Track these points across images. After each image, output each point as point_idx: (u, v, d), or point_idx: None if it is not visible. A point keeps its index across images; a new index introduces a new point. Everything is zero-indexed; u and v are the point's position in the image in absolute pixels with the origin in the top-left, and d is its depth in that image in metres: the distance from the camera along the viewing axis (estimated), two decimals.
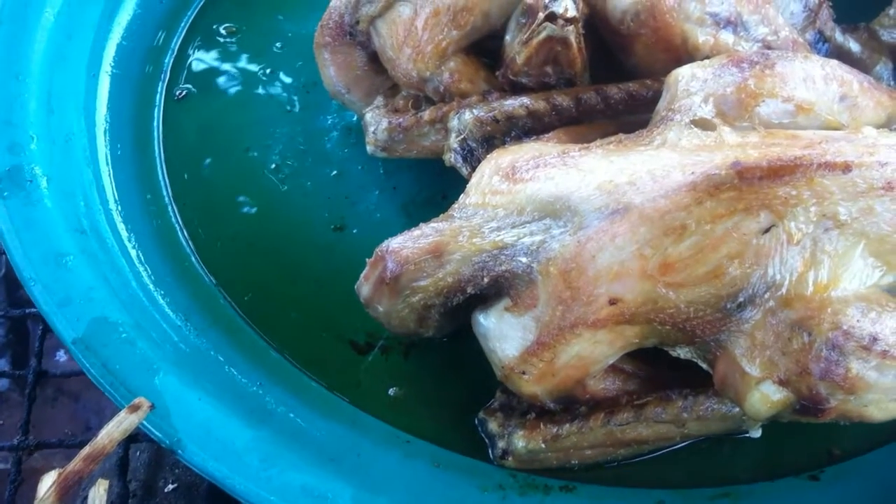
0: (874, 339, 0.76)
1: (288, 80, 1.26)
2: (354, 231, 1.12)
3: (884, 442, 0.93)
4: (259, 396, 0.94)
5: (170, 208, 1.13)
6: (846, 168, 0.76)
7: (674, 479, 0.91)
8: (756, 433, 0.89)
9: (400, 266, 0.87)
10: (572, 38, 0.96)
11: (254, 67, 1.28)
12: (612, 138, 0.90)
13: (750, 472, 0.91)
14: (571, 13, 0.94)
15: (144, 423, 0.83)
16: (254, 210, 1.14)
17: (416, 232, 0.89)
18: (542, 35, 0.96)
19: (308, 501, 0.81)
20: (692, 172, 0.79)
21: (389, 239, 0.89)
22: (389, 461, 0.91)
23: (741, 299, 0.79)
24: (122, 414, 0.79)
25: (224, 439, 0.85)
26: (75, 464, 0.78)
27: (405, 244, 0.88)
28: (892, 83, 1.08)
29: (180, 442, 0.84)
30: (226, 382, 0.94)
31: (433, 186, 1.14)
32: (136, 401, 0.79)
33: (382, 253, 0.89)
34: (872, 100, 0.91)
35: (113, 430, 0.78)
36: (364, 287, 0.92)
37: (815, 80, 0.87)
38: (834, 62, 0.91)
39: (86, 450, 0.78)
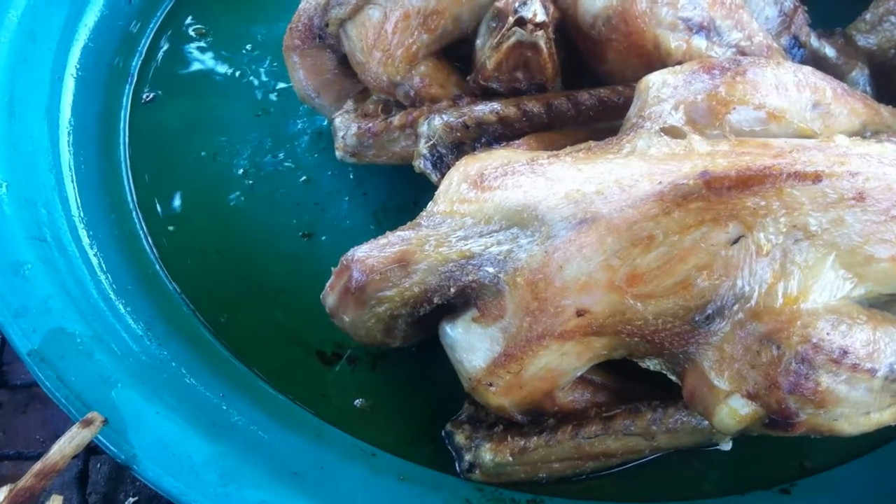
0: (844, 353, 0.74)
1: (258, 83, 1.24)
2: (323, 238, 1.10)
3: (856, 455, 0.92)
4: (221, 409, 0.92)
5: (134, 215, 1.11)
6: (816, 178, 0.75)
7: (643, 494, 0.89)
8: (726, 446, 0.88)
9: (365, 275, 0.85)
10: (542, 44, 0.94)
11: (223, 71, 1.26)
12: (582, 146, 0.89)
13: (720, 486, 0.90)
14: (541, 18, 0.93)
15: (99, 437, 0.81)
16: (221, 217, 1.11)
17: (382, 240, 0.88)
18: (512, 40, 0.94)
19: None
20: (660, 182, 0.77)
21: (355, 247, 0.87)
22: (354, 475, 0.89)
23: (709, 311, 0.78)
24: (75, 429, 0.77)
25: (181, 454, 0.83)
26: (26, 480, 0.76)
27: (371, 253, 0.87)
28: (867, 90, 1.06)
29: (136, 457, 0.82)
30: (187, 394, 0.91)
31: (404, 193, 1.12)
32: (89, 415, 0.77)
33: (348, 262, 0.87)
34: (846, 107, 0.90)
35: (65, 446, 0.76)
36: (329, 297, 0.90)
37: (787, 87, 0.86)
38: (807, 69, 0.89)
39: (37, 466, 0.76)
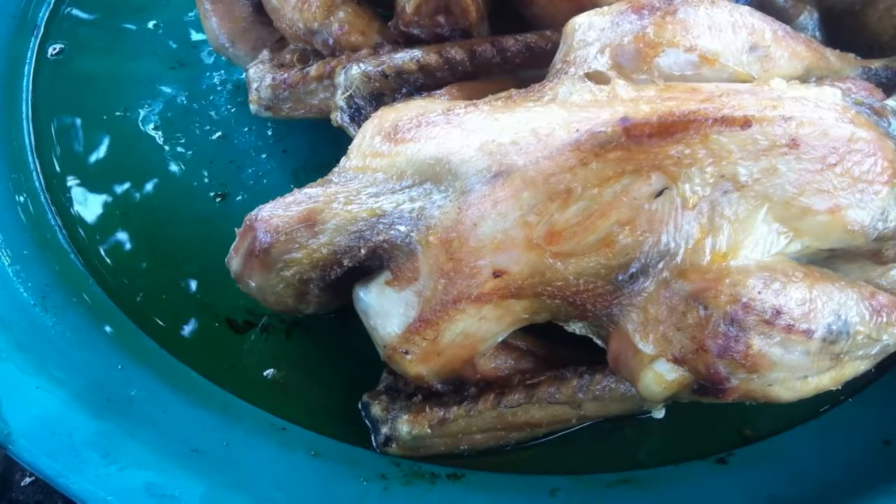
0: (777, 313, 0.69)
1: (173, 34, 1.18)
2: (238, 199, 1.04)
3: (799, 422, 0.87)
4: (117, 382, 0.86)
5: (35, 175, 1.05)
6: (745, 123, 0.69)
7: (571, 465, 0.85)
8: (659, 414, 0.82)
9: (270, 236, 0.80)
10: None
11: (137, 21, 1.19)
12: (503, 94, 0.83)
13: (654, 456, 0.86)
14: None
15: None
16: (127, 177, 1.05)
17: (288, 198, 0.82)
18: None
19: (149, 502, 0.72)
20: (577, 130, 0.71)
21: (260, 207, 0.82)
22: (262, 451, 0.84)
23: (633, 270, 0.72)
24: None
25: (61, 432, 0.77)
26: None
27: (275, 212, 0.81)
28: (816, 35, 1.00)
29: (10, 436, 0.76)
30: (77, 367, 0.86)
31: (327, 150, 1.04)
32: None
33: (251, 222, 0.82)
34: (787, 50, 0.83)
35: None
36: (234, 260, 0.84)
37: (721, 28, 0.79)
38: (745, 8, 0.83)
39: None
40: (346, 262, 0.80)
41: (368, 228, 0.78)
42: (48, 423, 0.77)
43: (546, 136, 0.72)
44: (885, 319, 0.74)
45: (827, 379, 0.75)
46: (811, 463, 0.84)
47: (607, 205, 0.71)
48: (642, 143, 0.69)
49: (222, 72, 1.13)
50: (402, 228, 0.77)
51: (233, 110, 1.10)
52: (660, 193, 0.70)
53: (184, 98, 1.11)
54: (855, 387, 0.86)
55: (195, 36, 1.16)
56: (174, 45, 1.16)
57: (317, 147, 1.07)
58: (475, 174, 0.74)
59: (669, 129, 0.69)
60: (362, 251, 0.78)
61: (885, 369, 0.87)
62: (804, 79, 0.85)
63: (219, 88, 1.12)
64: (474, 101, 0.83)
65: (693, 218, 0.70)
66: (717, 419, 0.86)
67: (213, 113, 1.10)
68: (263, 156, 1.07)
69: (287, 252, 0.80)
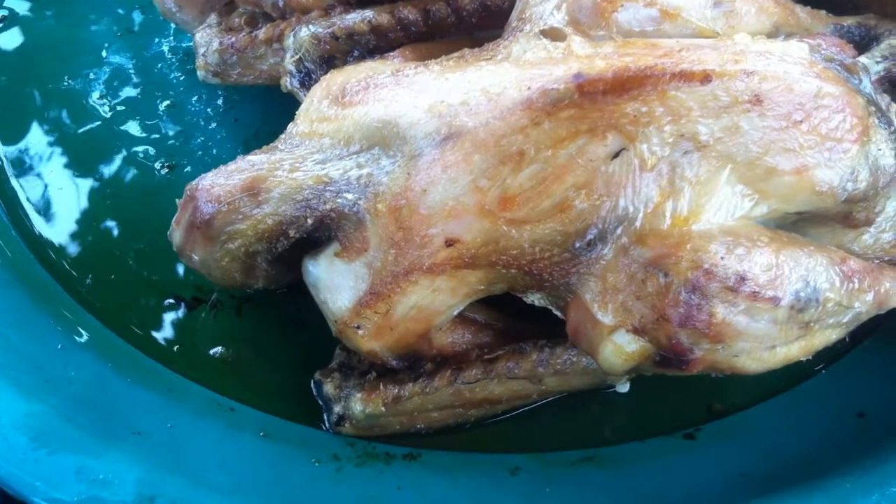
0: (741, 279, 0.65)
1: None
2: (187, 170, 1.00)
3: (770, 395, 0.84)
4: (56, 362, 0.81)
5: None
6: (705, 79, 0.65)
7: (532, 443, 0.81)
8: (623, 388, 0.79)
9: (212, 206, 0.76)
10: None
11: None
12: (456, 54, 0.79)
13: (619, 432, 0.82)
14: None
15: None
16: (72, 149, 1.01)
17: (231, 167, 0.79)
18: None
19: (79, 487, 0.68)
20: (528, 88, 0.67)
21: (201, 176, 0.78)
22: (208, 433, 0.80)
23: (590, 237, 0.68)
24: None
25: None
26: None
27: (217, 181, 0.78)
28: None
29: None
30: (14, 348, 0.81)
31: (279, 119, 0.97)
32: None
33: (192, 192, 0.78)
34: (754, 5, 0.79)
35: None
36: (175, 233, 0.81)
37: None
38: None
39: None
40: (292, 233, 0.76)
41: (315, 197, 0.74)
42: None
43: (497, 96, 0.68)
44: (856, 286, 0.70)
45: (796, 349, 0.71)
46: (783, 437, 0.80)
47: (562, 167, 0.67)
48: (597, 101, 0.65)
49: (171, 39, 1.09)
50: (350, 196, 0.73)
51: (182, 78, 1.06)
52: (617, 154, 0.66)
53: (131, 65, 1.07)
54: (827, 357, 0.83)
55: (143, 1, 1.11)
56: (122, 12, 1.12)
57: (269, 115, 1.03)
58: (424, 137, 0.70)
59: (625, 84, 0.65)
60: (309, 221, 0.75)
61: (858, 339, 0.84)
62: (773, 35, 0.81)
63: (168, 56, 1.08)
64: (426, 61, 0.79)
65: (652, 180, 0.66)
66: (684, 393, 0.83)
67: (161, 81, 1.06)
68: (213, 125, 1.03)
69: (230, 223, 0.76)
